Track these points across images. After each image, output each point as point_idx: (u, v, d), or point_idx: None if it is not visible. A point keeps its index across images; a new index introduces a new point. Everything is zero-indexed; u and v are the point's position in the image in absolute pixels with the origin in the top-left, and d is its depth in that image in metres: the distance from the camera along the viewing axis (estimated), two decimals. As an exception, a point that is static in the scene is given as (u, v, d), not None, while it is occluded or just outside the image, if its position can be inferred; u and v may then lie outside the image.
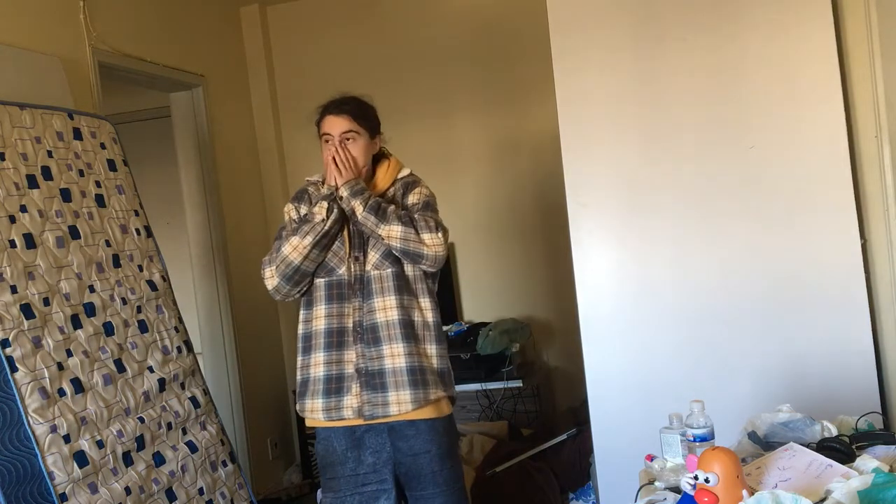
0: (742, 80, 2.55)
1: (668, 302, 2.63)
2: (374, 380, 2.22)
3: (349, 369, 2.22)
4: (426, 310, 2.28)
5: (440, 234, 2.23)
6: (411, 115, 4.12)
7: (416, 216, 2.23)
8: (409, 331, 2.23)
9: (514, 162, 4.08)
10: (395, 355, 2.21)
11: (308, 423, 2.33)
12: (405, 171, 2.37)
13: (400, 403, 2.20)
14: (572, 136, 2.70)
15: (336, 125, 2.26)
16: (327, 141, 2.28)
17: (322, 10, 4.31)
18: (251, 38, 4.32)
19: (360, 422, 2.23)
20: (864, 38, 2.47)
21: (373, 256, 2.26)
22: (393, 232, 2.19)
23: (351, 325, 2.24)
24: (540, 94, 3.69)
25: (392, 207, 2.23)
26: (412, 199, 2.32)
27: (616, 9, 2.65)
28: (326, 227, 2.21)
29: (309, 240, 2.20)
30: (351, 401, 2.21)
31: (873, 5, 2.41)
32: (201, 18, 3.95)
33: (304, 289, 2.29)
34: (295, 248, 2.21)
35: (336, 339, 2.23)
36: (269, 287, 2.28)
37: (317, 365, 2.24)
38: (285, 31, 4.36)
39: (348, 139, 2.26)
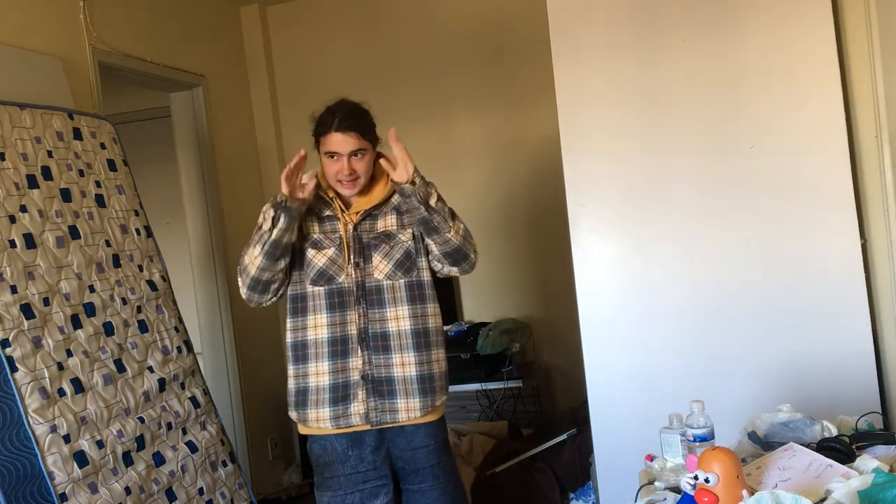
0: (742, 80, 2.54)
1: (668, 302, 2.63)
2: (381, 386, 2.23)
3: (354, 376, 2.22)
4: (435, 315, 2.31)
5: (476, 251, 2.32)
6: (411, 115, 4.12)
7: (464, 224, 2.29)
8: (420, 339, 2.25)
9: (514, 162, 4.07)
10: (405, 364, 2.23)
11: (312, 431, 2.28)
12: None
13: (409, 410, 2.23)
14: (572, 136, 2.69)
15: (345, 144, 2.18)
16: (332, 158, 2.21)
17: (322, 10, 4.31)
18: (251, 37, 4.32)
19: (367, 427, 2.23)
20: (864, 38, 2.46)
21: (381, 264, 2.24)
22: (460, 228, 2.23)
23: (355, 332, 2.23)
24: (540, 94, 3.68)
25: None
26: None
27: (616, 8, 2.65)
28: (273, 237, 2.15)
29: (258, 249, 2.17)
30: (358, 407, 2.22)
31: (873, 5, 2.41)
32: (201, 18, 3.95)
33: (274, 298, 2.27)
34: (251, 259, 2.19)
35: (340, 348, 2.22)
36: (244, 298, 2.28)
37: (320, 374, 2.22)
38: (285, 31, 4.36)
39: (356, 156, 2.20)
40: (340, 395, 2.22)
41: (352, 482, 2.25)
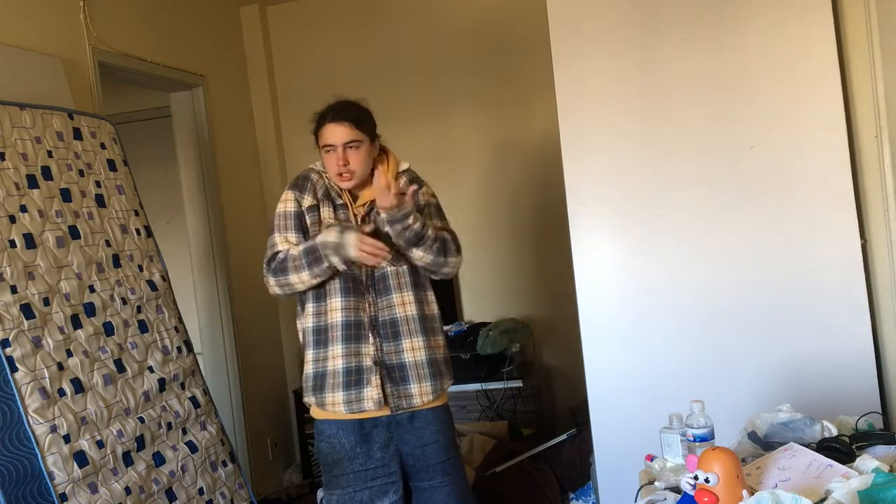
0: (742, 81, 2.54)
1: (669, 301, 2.63)
2: (394, 373, 2.26)
3: (367, 362, 2.25)
4: (433, 302, 2.37)
5: (460, 256, 2.34)
6: (411, 115, 4.12)
7: (446, 237, 2.29)
8: (426, 324, 2.31)
9: (514, 162, 4.07)
10: (415, 349, 2.27)
11: (327, 416, 2.30)
12: (404, 165, 2.39)
13: (423, 395, 2.28)
14: (572, 136, 2.69)
15: (338, 134, 2.22)
16: (328, 151, 2.24)
17: (322, 10, 4.31)
18: (251, 38, 4.32)
19: (379, 413, 2.25)
20: (864, 38, 2.46)
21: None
22: (424, 259, 2.25)
23: (367, 319, 2.26)
24: (540, 94, 3.69)
25: (431, 232, 2.24)
26: (421, 198, 2.37)
27: (616, 9, 2.65)
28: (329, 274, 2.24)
29: (316, 281, 2.24)
30: (371, 392, 2.24)
31: (873, 5, 2.41)
32: (201, 18, 3.95)
33: None
34: (301, 282, 2.25)
35: (353, 332, 2.25)
36: (271, 293, 2.33)
37: (335, 358, 2.25)
38: (285, 31, 4.36)
39: (351, 147, 2.23)
40: (354, 378, 2.24)
41: (360, 479, 2.27)
